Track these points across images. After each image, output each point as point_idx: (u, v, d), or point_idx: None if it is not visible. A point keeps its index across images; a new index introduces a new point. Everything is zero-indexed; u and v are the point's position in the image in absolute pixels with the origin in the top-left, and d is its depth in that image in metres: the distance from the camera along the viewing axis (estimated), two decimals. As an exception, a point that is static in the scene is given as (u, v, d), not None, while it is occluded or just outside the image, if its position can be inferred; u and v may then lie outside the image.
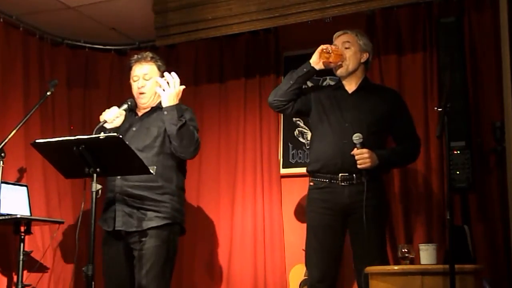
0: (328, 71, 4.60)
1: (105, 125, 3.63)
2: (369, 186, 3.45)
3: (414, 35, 4.37)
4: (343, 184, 3.49)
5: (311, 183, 3.64)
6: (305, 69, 3.68)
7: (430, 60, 4.28)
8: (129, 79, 3.82)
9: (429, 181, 4.18)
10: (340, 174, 3.49)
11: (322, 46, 3.62)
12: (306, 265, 3.67)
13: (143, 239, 3.57)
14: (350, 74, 3.67)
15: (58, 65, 5.06)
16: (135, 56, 3.81)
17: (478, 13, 4.17)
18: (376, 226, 3.49)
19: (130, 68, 3.81)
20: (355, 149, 3.44)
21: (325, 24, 4.45)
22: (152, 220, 3.58)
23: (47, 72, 4.92)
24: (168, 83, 3.55)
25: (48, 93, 4.23)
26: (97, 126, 3.57)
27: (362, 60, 3.69)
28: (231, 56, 4.99)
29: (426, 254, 3.19)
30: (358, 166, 3.43)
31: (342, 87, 3.70)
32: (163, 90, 3.54)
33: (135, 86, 3.75)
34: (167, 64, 3.85)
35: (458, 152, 3.84)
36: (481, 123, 4.06)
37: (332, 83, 4.72)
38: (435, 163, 4.16)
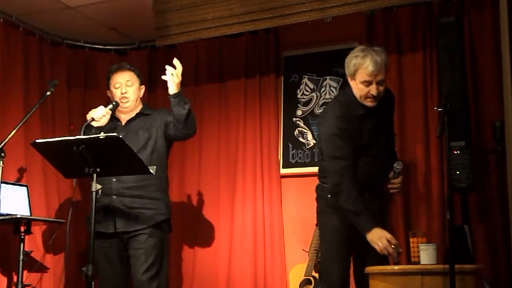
0: (328, 72, 4.66)
1: (92, 123, 3.74)
2: (383, 197, 3.54)
3: (414, 35, 4.37)
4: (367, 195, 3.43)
5: None
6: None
7: (430, 60, 4.27)
8: (107, 88, 4.03)
9: (429, 181, 4.18)
10: (367, 193, 3.42)
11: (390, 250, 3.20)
12: (323, 272, 3.50)
13: (141, 238, 3.72)
14: None
15: (58, 65, 5.06)
16: (114, 66, 4.09)
17: (478, 13, 4.17)
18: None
19: (108, 78, 4.02)
20: (393, 174, 3.48)
21: (325, 24, 4.44)
22: (152, 218, 3.76)
23: (47, 72, 4.91)
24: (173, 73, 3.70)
25: (48, 93, 4.22)
26: (85, 124, 3.67)
27: None
28: (231, 56, 4.98)
29: (426, 254, 3.19)
30: (392, 191, 3.52)
31: (371, 109, 3.43)
32: (172, 75, 3.67)
33: (118, 92, 3.93)
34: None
35: (458, 152, 3.84)
36: (481, 123, 4.06)
37: (332, 83, 4.74)
38: (435, 163, 4.16)
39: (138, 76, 4.04)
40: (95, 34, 5.11)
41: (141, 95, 4.06)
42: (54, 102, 4.89)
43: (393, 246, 3.15)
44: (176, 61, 3.69)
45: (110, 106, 3.83)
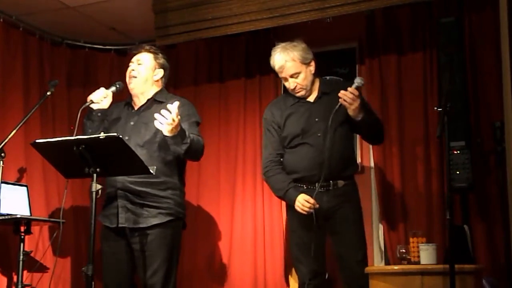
0: (328, 72, 4.61)
1: (92, 105, 3.67)
2: (345, 191, 3.58)
3: (414, 35, 4.37)
4: (320, 190, 3.53)
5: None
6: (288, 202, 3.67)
7: (430, 60, 4.28)
8: None
9: (429, 181, 4.18)
10: (317, 183, 3.51)
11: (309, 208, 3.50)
12: (293, 264, 3.71)
13: (147, 239, 3.55)
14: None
15: (58, 65, 5.06)
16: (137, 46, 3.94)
17: (478, 13, 4.17)
18: (355, 226, 3.60)
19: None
20: (353, 86, 3.45)
21: (325, 24, 4.44)
22: (156, 217, 3.57)
23: (47, 72, 4.92)
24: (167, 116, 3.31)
25: (48, 93, 4.21)
26: (83, 106, 3.61)
27: (313, 71, 3.71)
28: (231, 56, 4.98)
29: (426, 254, 3.20)
30: (340, 100, 3.44)
31: (304, 99, 3.71)
32: (160, 123, 3.32)
33: (128, 71, 3.78)
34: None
35: (458, 152, 3.84)
36: (481, 123, 4.06)
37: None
38: (435, 163, 4.16)
39: (156, 59, 3.76)
40: (95, 34, 5.11)
41: (155, 78, 3.76)
42: (54, 102, 4.89)
43: (311, 206, 3.46)
44: (169, 107, 3.28)
45: (112, 88, 3.73)
